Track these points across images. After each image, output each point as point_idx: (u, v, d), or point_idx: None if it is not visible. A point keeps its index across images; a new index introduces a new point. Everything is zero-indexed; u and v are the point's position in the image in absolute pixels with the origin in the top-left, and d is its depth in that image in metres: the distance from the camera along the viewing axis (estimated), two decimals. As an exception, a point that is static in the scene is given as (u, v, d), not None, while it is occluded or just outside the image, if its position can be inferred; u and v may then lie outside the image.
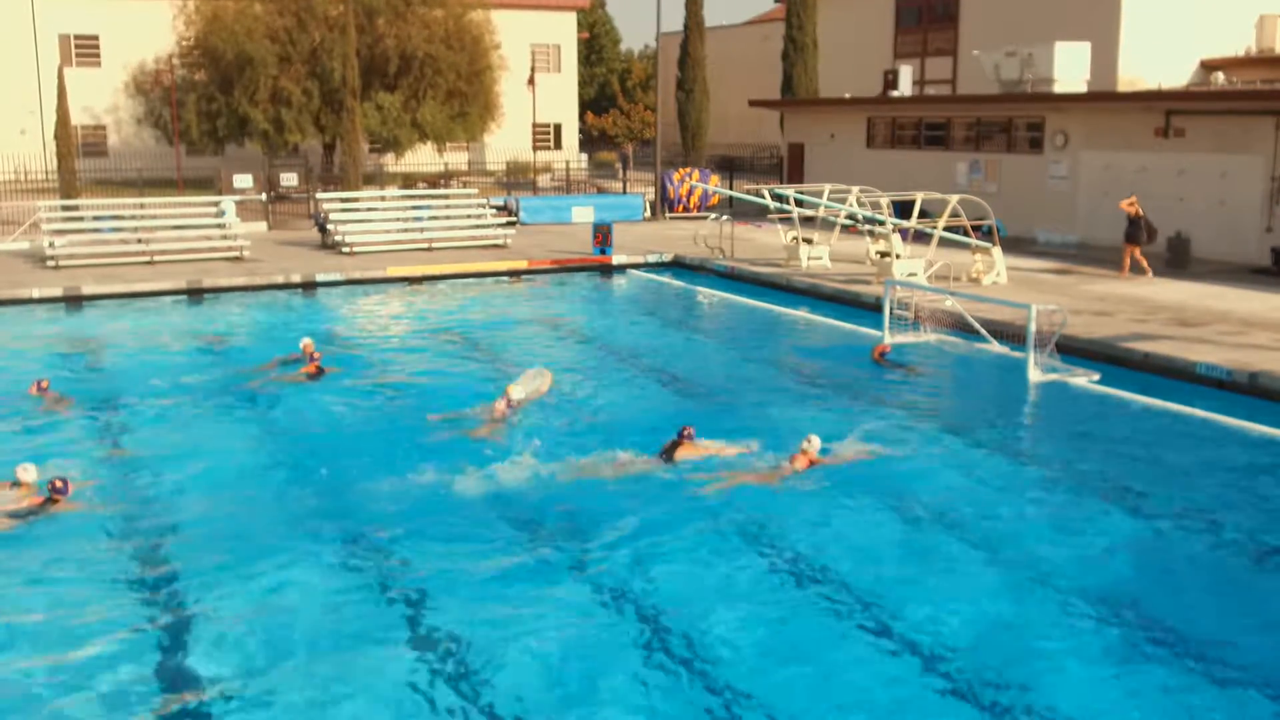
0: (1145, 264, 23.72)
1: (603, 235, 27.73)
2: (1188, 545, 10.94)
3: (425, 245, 29.00)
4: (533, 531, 10.99)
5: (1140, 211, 23.83)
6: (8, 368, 17.35)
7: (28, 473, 11.45)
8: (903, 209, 25.53)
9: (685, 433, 12.74)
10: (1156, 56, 35.03)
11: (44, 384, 15.56)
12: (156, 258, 26.54)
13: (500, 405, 14.34)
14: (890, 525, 11.33)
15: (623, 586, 9.77)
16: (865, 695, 8.10)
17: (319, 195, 32.11)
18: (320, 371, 16.65)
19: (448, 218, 30.89)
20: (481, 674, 8.34)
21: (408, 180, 41.86)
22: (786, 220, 27.46)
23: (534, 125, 52.28)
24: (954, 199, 23.55)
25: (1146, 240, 23.91)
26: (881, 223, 24.36)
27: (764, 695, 8.04)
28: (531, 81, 49.59)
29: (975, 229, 24.42)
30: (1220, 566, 10.53)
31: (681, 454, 12.55)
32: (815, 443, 12.43)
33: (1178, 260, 25.35)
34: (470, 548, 10.54)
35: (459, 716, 7.85)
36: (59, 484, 11.31)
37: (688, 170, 38.80)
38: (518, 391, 14.62)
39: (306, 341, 17.26)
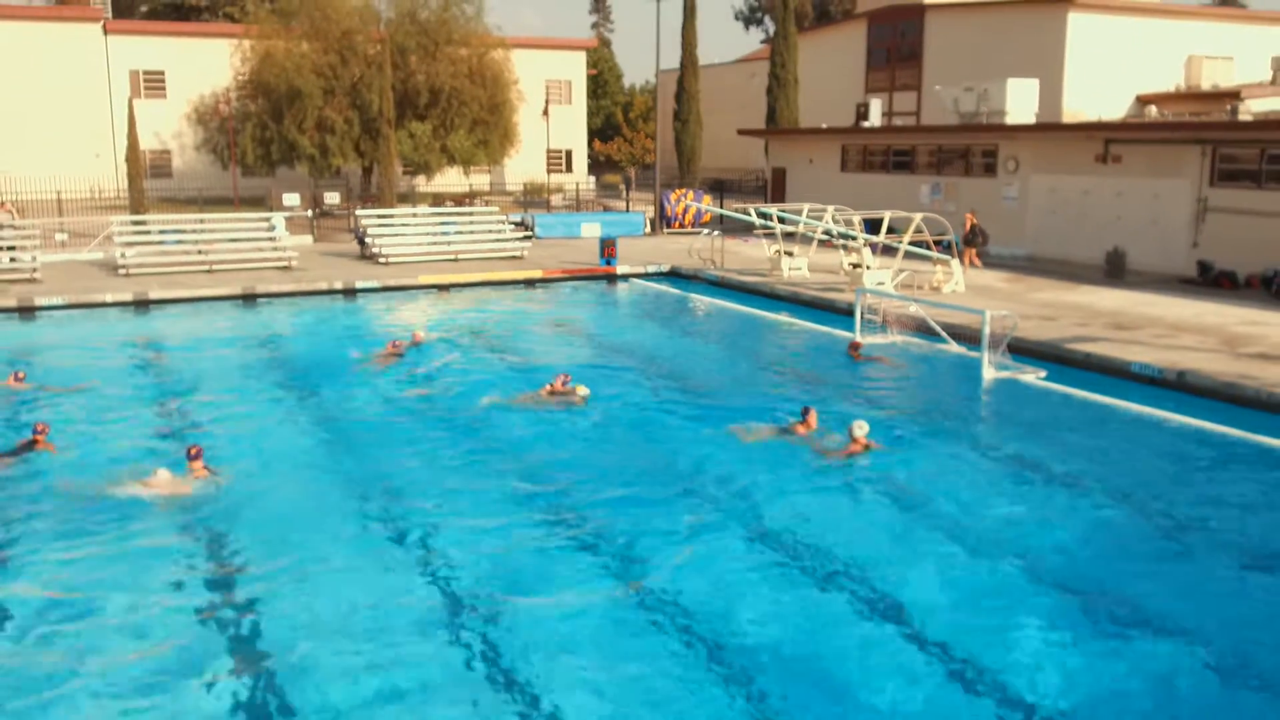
0: (979, 262, 26.10)
1: (609, 248, 27.72)
2: (1122, 522, 10.95)
3: (452, 256, 28.98)
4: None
5: (976, 222, 26.39)
6: (95, 360, 17.48)
7: (159, 476, 11.26)
8: (873, 225, 25.53)
9: (805, 411, 13.31)
10: (1097, 92, 35.11)
11: (20, 375, 15.53)
12: (215, 267, 26.53)
13: (555, 384, 14.96)
14: (862, 503, 11.37)
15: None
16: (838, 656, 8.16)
17: (358, 212, 32.09)
18: (398, 354, 17.61)
19: (472, 232, 30.84)
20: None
21: (437, 199, 41.86)
22: (770, 235, 27.44)
23: (548, 151, 52.27)
24: (918, 217, 23.53)
25: (981, 243, 26.79)
26: (854, 238, 24.36)
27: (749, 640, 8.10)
28: (546, 112, 49.66)
29: (937, 243, 24.41)
30: (1150, 540, 10.54)
31: (804, 429, 13.15)
32: (864, 427, 12.62)
33: (1115, 271, 25.34)
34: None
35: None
36: (193, 451, 11.67)
37: (683, 191, 38.72)
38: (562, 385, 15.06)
39: (418, 331, 18.91)
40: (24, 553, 9.86)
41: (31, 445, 12.54)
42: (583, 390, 14.91)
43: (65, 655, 7.98)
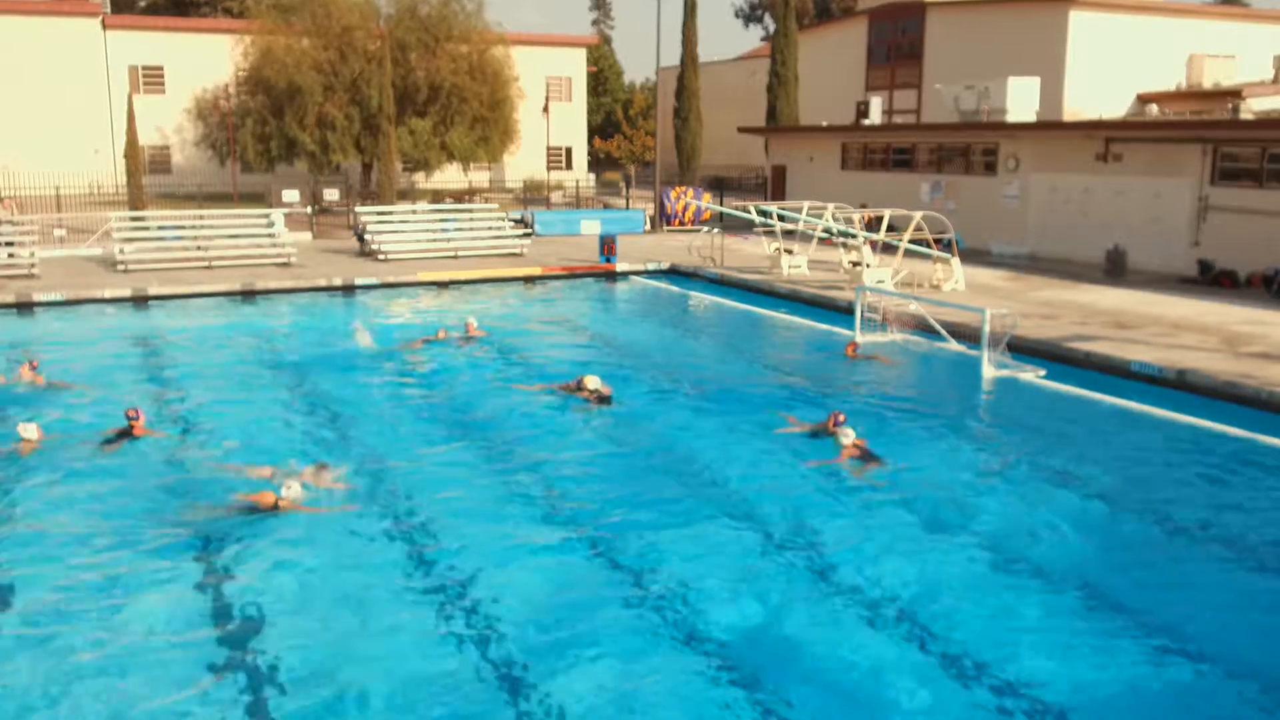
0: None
1: (608, 246, 27.70)
2: (1121, 522, 10.92)
3: (451, 253, 28.95)
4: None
5: (873, 218, 26.01)
6: (91, 354, 17.45)
7: (291, 490, 10.57)
8: (872, 223, 25.50)
9: (836, 416, 13.07)
10: (1098, 90, 35.08)
11: (34, 363, 15.51)
12: (214, 263, 26.50)
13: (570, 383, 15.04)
14: (860, 503, 11.35)
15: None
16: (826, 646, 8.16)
17: (358, 209, 32.08)
18: (472, 340, 18.51)
19: (471, 229, 30.82)
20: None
21: (436, 196, 41.78)
22: (770, 233, 27.43)
23: (548, 148, 52.24)
24: (918, 215, 23.52)
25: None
26: (854, 236, 24.34)
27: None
28: (546, 109, 49.64)
29: (937, 242, 24.39)
30: (1150, 539, 10.53)
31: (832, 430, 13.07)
32: (849, 434, 12.55)
33: (1115, 270, 25.32)
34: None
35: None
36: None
37: (683, 189, 38.72)
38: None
39: (470, 320, 19.17)
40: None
41: (129, 433, 12.50)
42: (591, 383, 14.86)
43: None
